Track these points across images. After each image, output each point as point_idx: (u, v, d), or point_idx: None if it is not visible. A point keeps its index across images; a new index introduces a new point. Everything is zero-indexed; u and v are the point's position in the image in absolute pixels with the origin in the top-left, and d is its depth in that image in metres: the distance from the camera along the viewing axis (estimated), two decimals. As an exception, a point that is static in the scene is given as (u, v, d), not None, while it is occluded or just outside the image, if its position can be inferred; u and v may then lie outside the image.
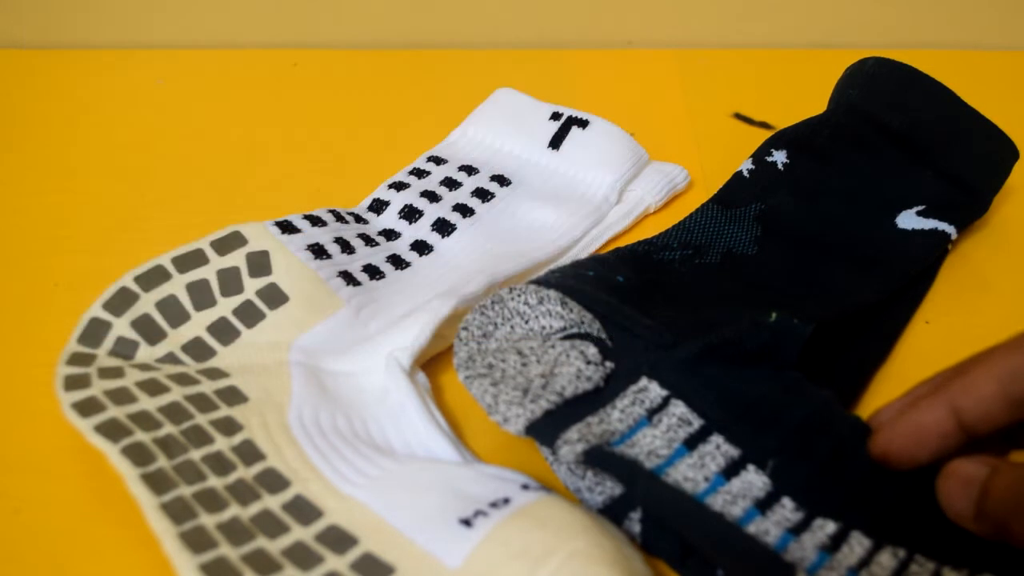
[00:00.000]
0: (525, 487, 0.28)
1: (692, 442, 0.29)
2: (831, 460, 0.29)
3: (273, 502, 0.27)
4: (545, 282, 0.34)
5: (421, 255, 0.40)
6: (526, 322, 0.32)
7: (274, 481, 0.28)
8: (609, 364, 0.31)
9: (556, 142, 0.46)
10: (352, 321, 0.35)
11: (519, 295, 0.33)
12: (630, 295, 0.34)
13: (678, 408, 0.30)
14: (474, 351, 0.31)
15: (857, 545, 0.27)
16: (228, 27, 0.63)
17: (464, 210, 0.42)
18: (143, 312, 0.33)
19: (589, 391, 0.30)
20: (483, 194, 0.43)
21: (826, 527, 0.27)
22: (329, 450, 0.30)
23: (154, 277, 0.34)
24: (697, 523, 0.27)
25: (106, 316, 0.33)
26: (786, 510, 0.27)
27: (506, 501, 0.27)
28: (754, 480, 0.28)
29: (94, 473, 0.31)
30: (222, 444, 0.29)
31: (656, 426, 0.29)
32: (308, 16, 0.63)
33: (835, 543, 0.27)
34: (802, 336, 0.32)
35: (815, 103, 0.47)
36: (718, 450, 0.29)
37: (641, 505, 0.29)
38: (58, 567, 0.29)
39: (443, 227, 0.41)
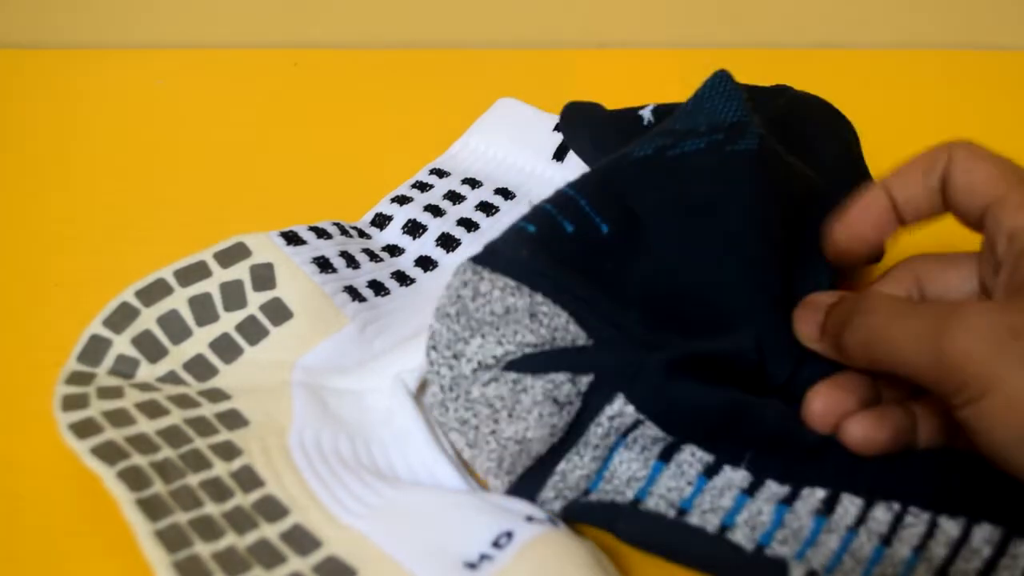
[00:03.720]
0: (529, 519, 0.28)
1: (667, 455, 0.29)
2: (808, 452, 0.29)
3: (271, 531, 0.27)
4: (507, 261, 0.31)
5: (426, 271, 0.39)
6: (497, 330, 0.30)
7: (272, 509, 0.28)
8: (585, 380, 0.30)
9: (560, 154, 0.46)
10: (357, 338, 0.35)
11: (483, 304, 0.30)
12: (611, 257, 0.33)
13: (651, 430, 0.30)
14: (445, 385, 0.30)
15: (851, 505, 0.28)
16: (228, 27, 0.63)
17: (468, 224, 0.42)
18: (144, 328, 0.33)
19: (563, 437, 0.30)
20: (487, 208, 0.43)
21: (816, 493, 0.28)
22: (330, 476, 0.29)
23: (156, 291, 0.34)
24: (680, 547, 0.28)
25: (106, 333, 0.32)
26: (771, 488, 0.29)
27: (509, 536, 0.26)
28: (733, 476, 0.29)
29: (94, 474, 0.31)
30: (221, 469, 0.29)
31: (631, 447, 0.30)
32: (308, 16, 0.63)
33: (828, 506, 0.28)
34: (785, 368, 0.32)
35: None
36: (693, 457, 0.29)
37: (626, 541, 0.29)
38: (58, 567, 0.30)
39: (447, 242, 0.41)
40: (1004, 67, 0.60)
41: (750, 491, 0.28)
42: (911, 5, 0.63)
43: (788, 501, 0.28)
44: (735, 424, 0.29)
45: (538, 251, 0.31)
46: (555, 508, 0.29)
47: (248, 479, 0.29)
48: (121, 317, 0.33)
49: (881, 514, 0.27)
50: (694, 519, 0.28)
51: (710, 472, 0.29)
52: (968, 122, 0.53)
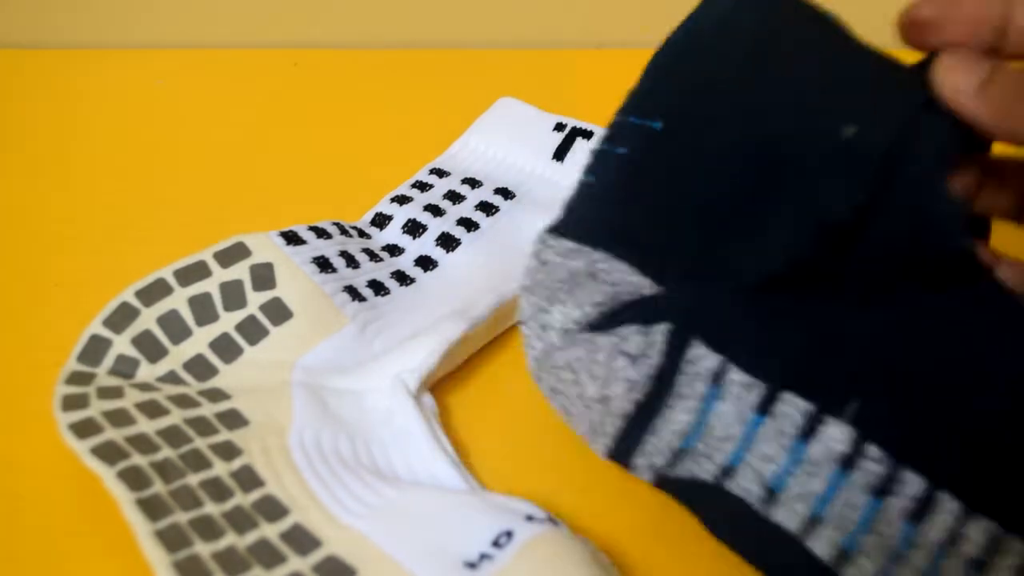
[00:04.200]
0: (529, 518, 0.28)
1: (764, 407, 0.27)
2: (920, 393, 0.26)
3: (271, 531, 0.27)
4: (573, 224, 0.31)
5: (426, 271, 0.39)
6: (571, 294, 0.30)
7: (272, 509, 0.28)
8: (659, 329, 0.28)
9: (560, 154, 0.46)
10: (357, 338, 0.35)
11: (551, 271, 0.30)
12: (669, 153, 0.30)
13: (738, 374, 0.27)
14: (540, 357, 0.30)
15: (947, 513, 0.24)
16: (228, 27, 0.63)
17: (468, 224, 0.42)
18: (144, 328, 0.33)
19: (649, 391, 0.28)
20: (487, 208, 0.43)
21: (912, 485, 0.25)
22: (330, 476, 0.29)
23: (155, 291, 0.34)
24: (757, 553, 0.27)
25: (106, 333, 0.32)
26: (871, 463, 0.25)
27: (509, 535, 0.26)
28: (834, 434, 0.26)
29: (94, 474, 0.31)
30: (221, 469, 0.29)
31: (725, 398, 0.27)
32: (308, 16, 0.63)
33: (920, 508, 0.25)
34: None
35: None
36: (793, 408, 0.26)
37: (705, 520, 0.28)
38: (58, 567, 0.30)
39: (447, 242, 0.41)
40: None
41: (847, 465, 0.25)
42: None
43: (881, 493, 0.25)
44: (827, 348, 0.27)
45: (597, 198, 0.31)
46: (645, 477, 0.28)
47: (248, 479, 0.29)
48: (121, 317, 0.33)
49: (975, 534, 0.24)
50: (780, 512, 0.26)
51: (808, 431, 0.26)
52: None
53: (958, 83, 0.26)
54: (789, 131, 0.29)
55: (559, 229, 0.31)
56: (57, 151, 0.51)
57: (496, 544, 0.26)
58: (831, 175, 0.28)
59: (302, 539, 0.27)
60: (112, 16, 0.62)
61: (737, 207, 0.29)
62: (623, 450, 0.28)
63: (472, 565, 0.26)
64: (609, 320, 0.29)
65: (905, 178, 0.27)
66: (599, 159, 0.31)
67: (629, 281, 0.29)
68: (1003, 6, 0.26)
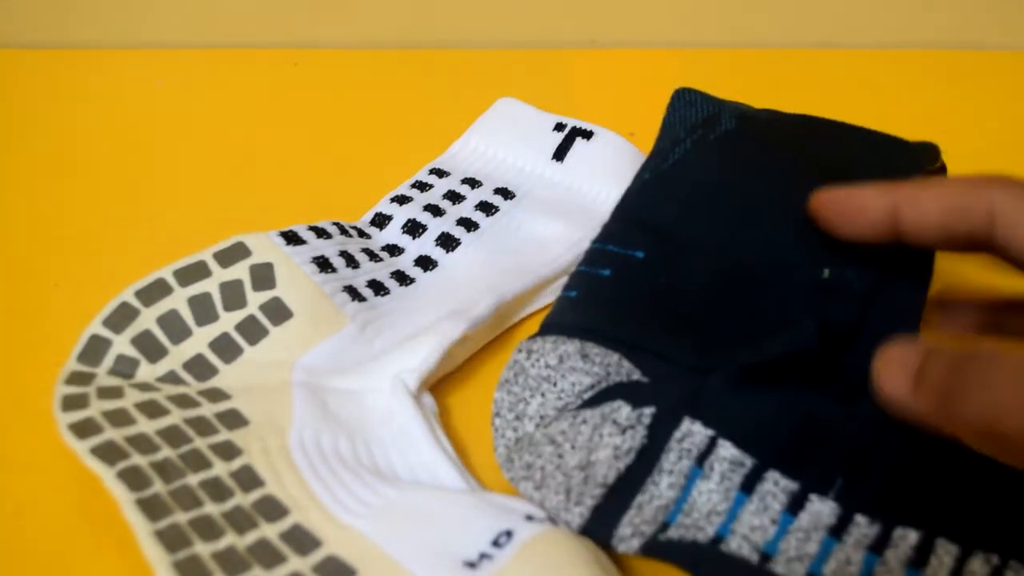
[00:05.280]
0: (529, 518, 0.28)
1: (749, 485, 0.28)
2: (900, 463, 0.27)
3: (271, 531, 0.27)
4: (557, 327, 0.32)
5: (426, 271, 0.39)
6: (555, 385, 0.31)
7: (272, 509, 0.28)
8: (647, 411, 0.29)
9: (560, 154, 0.46)
10: (357, 338, 0.35)
11: (538, 359, 0.31)
12: (653, 278, 0.32)
13: (727, 450, 0.28)
14: (511, 444, 0.30)
15: (945, 555, 0.25)
16: (228, 27, 0.63)
17: (468, 224, 0.42)
18: (144, 328, 0.33)
19: (632, 463, 0.29)
20: (487, 208, 0.43)
21: (908, 537, 0.26)
22: (330, 476, 0.29)
23: (155, 291, 0.34)
24: None
25: (106, 333, 0.32)
26: (861, 528, 0.26)
27: (509, 534, 0.27)
28: (821, 509, 0.27)
29: (94, 474, 0.31)
30: (220, 469, 0.29)
31: (709, 477, 0.28)
32: (308, 16, 0.63)
33: (921, 555, 0.25)
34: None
35: (815, 103, 0.46)
36: (777, 487, 0.27)
37: None
38: (58, 567, 0.30)
39: (447, 242, 0.41)
40: (1004, 67, 0.60)
41: (838, 531, 0.26)
42: (910, 5, 0.63)
43: (878, 549, 0.26)
44: (816, 434, 0.28)
45: (584, 309, 0.33)
46: (633, 546, 0.27)
47: (248, 479, 0.29)
48: (121, 317, 0.33)
49: (979, 567, 0.25)
50: (779, 569, 0.26)
51: (795, 506, 0.27)
52: (967, 122, 0.53)
53: (893, 382, 0.25)
54: (768, 268, 0.32)
55: (545, 332, 0.32)
56: (57, 151, 0.51)
57: (496, 544, 0.26)
58: (811, 305, 0.31)
59: (302, 539, 0.27)
60: (112, 16, 0.62)
61: (725, 314, 0.32)
62: (603, 520, 0.28)
63: (472, 565, 0.26)
64: (597, 397, 0.30)
65: (884, 307, 0.30)
66: (581, 279, 0.34)
67: (620, 365, 0.31)
68: (890, 200, 0.28)
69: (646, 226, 0.34)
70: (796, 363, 0.29)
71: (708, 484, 0.28)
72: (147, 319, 0.33)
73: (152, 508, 0.26)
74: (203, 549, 0.26)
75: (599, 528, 0.28)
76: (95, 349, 0.32)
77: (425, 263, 0.40)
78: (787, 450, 0.28)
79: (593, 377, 0.31)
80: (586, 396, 0.30)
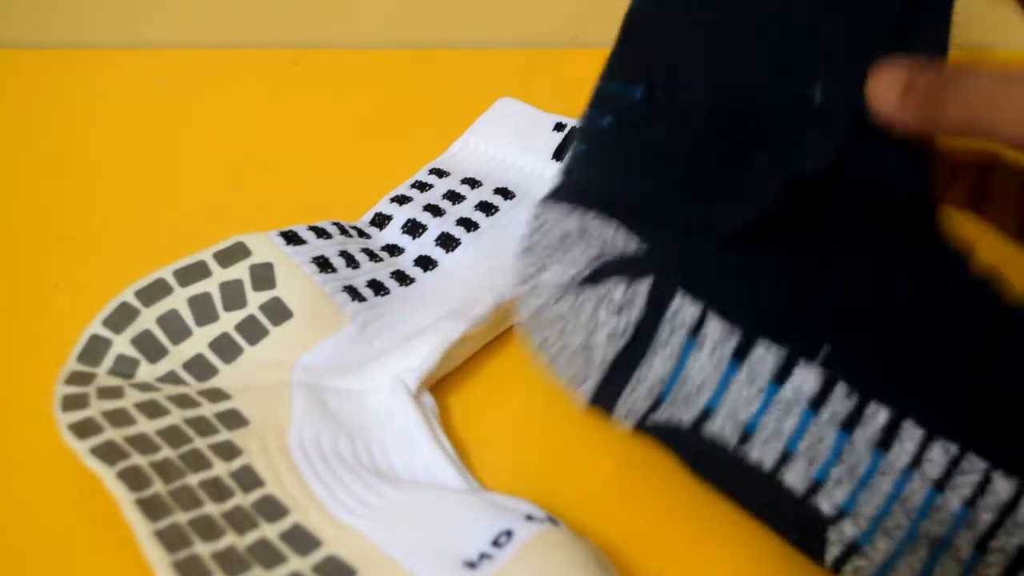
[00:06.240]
0: (529, 518, 0.28)
1: (740, 352, 0.28)
2: (883, 332, 0.28)
3: (270, 531, 0.27)
4: (562, 195, 0.33)
5: (426, 271, 0.39)
6: (563, 255, 0.32)
7: (272, 509, 0.28)
8: (643, 286, 0.30)
9: (560, 154, 0.46)
10: (357, 338, 0.35)
11: (544, 235, 0.32)
12: (651, 119, 0.32)
13: (717, 320, 0.29)
14: (531, 315, 0.32)
15: (908, 440, 0.26)
16: (228, 27, 0.63)
17: (468, 224, 0.42)
18: (144, 328, 0.33)
19: (629, 342, 0.30)
20: (487, 207, 0.43)
21: (878, 416, 0.26)
22: (329, 476, 0.29)
23: (155, 291, 0.34)
24: (735, 490, 0.29)
25: (106, 333, 0.32)
26: (838, 400, 0.27)
27: (509, 534, 0.26)
28: (805, 377, 0.27)
29: (94, 474, 0.31)
30: (220, 469, 0.29)
31: (702, 347, 0.28)
32: (308, 16, 0.63)
33: (887, 437, 0.26)
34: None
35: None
36: (767, 351, 0.28)
37: (684, 461, 0.30)
38: (58, 567, 0.30)
39: (447, 242, 0.41)
40: (1004, 67, 0.60)
41: (817, 403, 0.27)
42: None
43: (849, 425, 0.26)
44: (803, 299, 0.28)
45: (588, 163, 0.33)
46: (628, 423, 0.30)
47: (248, 479, 0.29)
48: (121, 317, 0.33)
49: (937, 455, 0.26)
50: (754, 452, 0.27)
51: (782, 374, 0.27)
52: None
53: (884, 95, 0.28)
54: (762, 92, 0.31)
55: (556, 195, 0.33)
56: (57, 151, 0.51)
57: (496, 544, 0.26)
58: (804, 133, 0.30)
59: (302, 539, 0.27)
60: (112, 16, 0.62)
61: (715, 164, 0.31)
62: (605, 397, 0.30)
63: (472, 565, 0.26)
64: (596, 274, 0.31)
65: (872, 134, 0.29)
66: (586, 128, 0.34)
67: (615, 241, 0.31)
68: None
69: (647, 53, 0.34)
70: (775, 223, 0.29)
71: (701, 355, 0.29)
72: (147, 319, 0.33)
73: (152, 508, 0.26)
74: (203, 549, 0.26)
75: (602, 403, 0.30)
76: (95, 349, 0.32)
77: (425, 263, 0.40)
78: (774, 317, 0.28)
79: (593, 251, 0.32)
80: (593, 266, 0.31)
